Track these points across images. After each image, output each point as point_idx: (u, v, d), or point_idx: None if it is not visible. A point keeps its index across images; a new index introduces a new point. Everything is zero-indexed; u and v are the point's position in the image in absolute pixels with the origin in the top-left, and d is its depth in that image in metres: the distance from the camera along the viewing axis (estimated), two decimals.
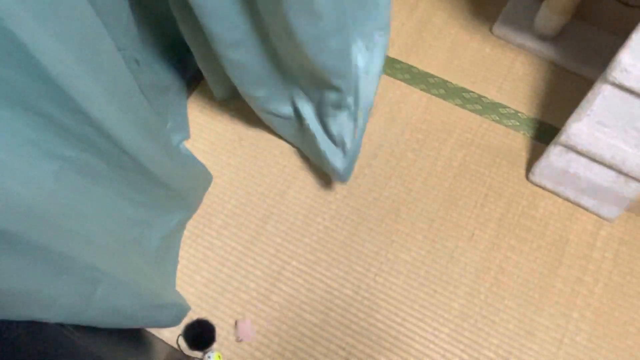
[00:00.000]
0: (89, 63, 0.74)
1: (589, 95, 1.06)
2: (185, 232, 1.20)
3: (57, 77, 0.66)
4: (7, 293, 0.63)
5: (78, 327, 0.79)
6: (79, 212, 0.80)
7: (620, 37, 1.06)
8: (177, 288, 1.14)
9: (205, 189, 1.24)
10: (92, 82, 0.75)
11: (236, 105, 1.32)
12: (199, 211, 1.23)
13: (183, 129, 1.29)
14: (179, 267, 1.16)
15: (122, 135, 0.84)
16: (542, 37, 1.37)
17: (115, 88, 0.81)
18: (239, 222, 1.21)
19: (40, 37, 0.62)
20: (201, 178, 1.23)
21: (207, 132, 1.32)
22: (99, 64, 0.76)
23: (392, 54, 1.40)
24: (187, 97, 1.34)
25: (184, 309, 1.09)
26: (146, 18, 1.10)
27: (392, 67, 1.38)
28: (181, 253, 1.18)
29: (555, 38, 1.37)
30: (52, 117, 0.70)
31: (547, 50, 1.37)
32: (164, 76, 1.19)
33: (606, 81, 1.01)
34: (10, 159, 0.65)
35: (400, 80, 1.36)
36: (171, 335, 1.08)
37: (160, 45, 1.16)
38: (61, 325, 0.75)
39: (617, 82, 0.99)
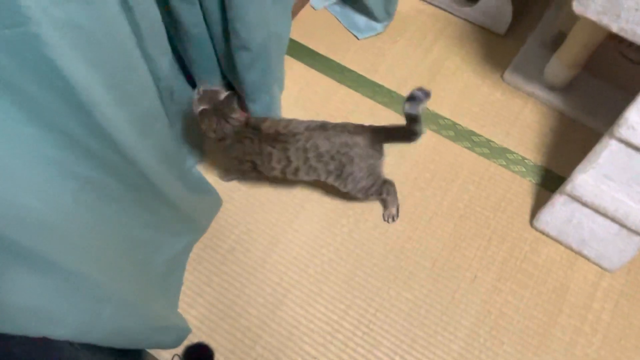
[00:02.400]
0: (118, 90, 0.77)
1: (596, 148, 1.09)
2: (192, 255, 1.22)
3: (88, 102, 0.69)
4: (21, 308, 0.64)
5: (83, 345, 0.80)
6: (93, 231, 0.82)
7: (628, 93, 1.09)
8: (179, 310, 1.15)
9: (215, 212, 1.26)
10: (118, 108, 0.78)
11: None
12: (207, 234, 1.24)
13: (197, 152, 1.31)
14: (182, 289, 1.18)
15: (140, 159, 0.86)
16: (551, 87, 1.41)
17: (140, 114, 0.85)
18: (245, 247, 1.23)
19: (76, 64, 0.66)
20: (211, 202, 1.25)
21: (220, 157, 1.34)
22: (128, 92, 0.80)
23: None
24: None
25: (185, 332, 1.10)
26: (186, 50, 1.15)
27: None
28: (186, 275, 1.19)
29: (565, 89, 1.40)
30: (77, 139, 0.73)
31: (555, 100, 1.40)
32: (189, 103, 1.23)
33: (613, 136, 1.04)
34: (33, 177, 0.68)
35: None
36: (170, 357, 1.09)
37: (186, 74, 1.20)
38: (69, 342, 0.76)
39: (623, 138, 1.02)
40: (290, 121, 1.11)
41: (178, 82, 1.20)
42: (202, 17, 1.03)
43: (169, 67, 1.07)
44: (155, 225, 1.04)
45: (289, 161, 1.10)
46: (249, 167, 1.17)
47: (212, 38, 1.10)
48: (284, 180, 1.18)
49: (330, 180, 1.14)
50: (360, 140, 1.09)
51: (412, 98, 1.04)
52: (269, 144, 1.09)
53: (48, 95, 0.64)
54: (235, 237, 1.24)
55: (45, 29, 0.57)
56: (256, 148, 1.11)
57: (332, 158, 1.09)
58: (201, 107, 1.06)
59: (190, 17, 1.01)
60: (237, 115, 1.09)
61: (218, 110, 1.07)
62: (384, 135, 1.12)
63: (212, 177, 1.31)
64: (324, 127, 1.09)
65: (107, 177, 0.83)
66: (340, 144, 1.08)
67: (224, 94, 1.08)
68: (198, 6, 1.00)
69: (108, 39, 0.70)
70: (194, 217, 1.18)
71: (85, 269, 0.75)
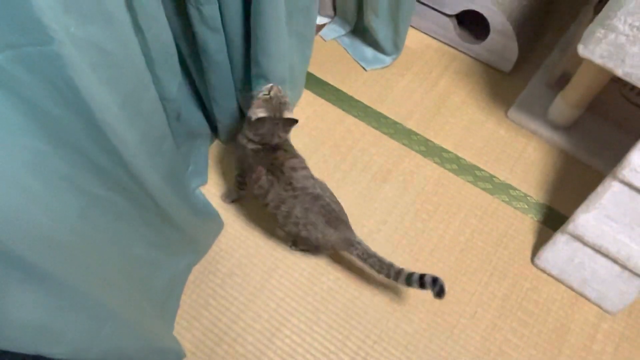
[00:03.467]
0: (131, 109, 0.78)
1: (599, 189, 1.10)
2: (190, 276, 1.21)
3: (101, 120, 0.70)
4: (20, 325, 0.64)
5: None
6: (96, 248, 0.82)
7: (631, 135, 1.11)
8: (175, 333, 1.13)
9: (216, 235, 1.26)
10: (130, 127, 0.79)
11: None
12: (206, 256, 1.24)
13: (202, 174, 1.32)
14: (179, 311, 1.16)
15: (148, 177, 0.87)
16: (555, 126, 1.42)
17: (149, 134, 0.86)
18: (245, 272, 1.22)
19: (93, 83, 0.67)
20: (213, 224, 1.25)
21: (224, 179, 1.35)
22: (139, 111, 0.81)
23: (410, 125, 1.46)
24: (210, 144, 1.38)
25: (179, 355, 1.08)
26: (207, 74, 1.17)
27: (409, 138, 1.43)
28: (183, 297, 1.18)
29: (568, 128, 1.42)
30: (88, 156, 0.74)
31: (559, 139, 1.42)
32: (196, 125, 1.25)
33: (616, 178, 1.05)
34: (43, 192, 0.68)
35: (416, 151, 1.41)
36: None
37: (199, 98, 1.22)
38: None
39: (626, 180, 1.03)
40: (297, 169, 1.08)
41: (186, 104, 1.22)
42: (225, 44, 1.06)
43: (178, 90, 1.09)
44: (158, 244, 1.04)
45: (266, 194, 1.08)
46: (241, 178, 1.17)
47: (232, 65, 1.12)
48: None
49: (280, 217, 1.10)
50: (333, 233, 1.07)
51: (422, 284, 1.04)
52: (265, 166, 1.07)
53: (63, 112, 0.65)
54: (234, 261, 1.23)
55: (67, 49, 0.58)
56: (251, 163, 1.09)
57: (296, 224, 1.07)
58: (260, 115, 1.04)
59: (215, 44, 1.04)
60: (284, 136, 1.09)
61: (274, 124, 1.06)
62: (363, 259, 1.09)
63: (215, 200, 1.31)
64: (316, 198, 1.06)
65: (114, 195, 0.83)
66: (313, 223, 1.06)
67: (289, 112, 1.07)
68: (223, 34, 1.03)
69: (124, 59, 0.72)
70: (196, 238, 1.18)
71: (87, 286, 0.75)
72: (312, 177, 1.10)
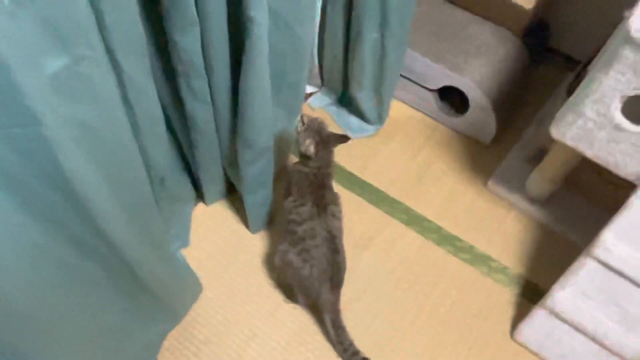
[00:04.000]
0: (114, 181, 0.79)
1: (574, 266, 1.11)
2: (165, 342, 1.18)
3: (82, 196, 0.71)
4: None
5: None
6: (66, 318, 0.80)
7: (605, 211, 1.14)
8: None
9: (194, 300, 1.24)
10: (112, 198, 0.80)
11: (237, 220, 1.37)
12: (183, 322, 1.21)
13: (184, 237, 1.32)
14: None
15: (126, 246, 0.87)
16: (532, 199, 1.46)
17: (132, 204, 0.86)
18: (222, 339, 1.20)
19: (76, 158, 0.68)
20: (191, 288, 1.24)
21: (205, 242, 1.35)
22: (123, 182, 0.82)
23: (392, 193, 1.49)
24: (194, 207, 1.39)
25: None
26: (194, 142, 1.21)
27: (391, 206, 1.46)
28: None
29: (545, 202, 1.46)
30: (67, 228, 0.74)
31: (536, 212, 1.45)
32: (180, 189, 1.26)
33: (590, 256, 1.07)
34: (17, 265, 0.67)
35: (397, 219, 1.43)
36: None
37: (185, 162, 1.25)
38: None
39: (600, 259, 1.05)
40: (337, 218, 1.15)
41: (171, 169, 1.23)
42: (212, 115, 1.10)
43: (163, 157, 1.11)
44: (132, 311, 1.02)
45: (301, 223, 1.11)
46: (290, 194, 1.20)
47: (219, 133, 1.17)
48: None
49: (293, 251, 1.14)
50: (328, 291, 1.13)
51: None
52: (313, 199, 1.12)
53: (43, 185, 0.66)
54: (211, 328, 1.21)
55: (53, 129, 0.60)
56: (302, 189, 1.14)
57: (306, 261, 1.11)
58: (314, 144, 1.11)
59: (203, 114, 1.09)
60: (334, 147, 1.17)
61: (324, 141, 1.14)
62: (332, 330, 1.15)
63: (195, 262, 1.30)
64: (337, 252, 1.13)
65: (89, 264, 0.83)
66: (320, 270, 1.11)
67: (327, 127, 1.16)
68: (211, 106, 1.08)
69: (109, 134, 0.74)
70: (173, 304, 1.16)
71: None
72: (341, 230, 1.16)
